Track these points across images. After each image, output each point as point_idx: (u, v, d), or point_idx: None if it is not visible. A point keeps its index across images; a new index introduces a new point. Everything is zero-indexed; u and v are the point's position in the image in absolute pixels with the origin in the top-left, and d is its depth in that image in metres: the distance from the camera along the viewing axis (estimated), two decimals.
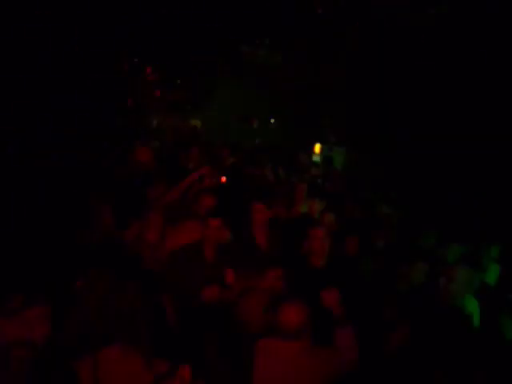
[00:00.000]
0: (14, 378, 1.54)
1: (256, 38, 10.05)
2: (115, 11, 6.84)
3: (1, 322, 1.52)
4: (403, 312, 2.86)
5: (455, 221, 5.56)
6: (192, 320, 2.53)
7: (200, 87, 10.09)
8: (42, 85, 5.75)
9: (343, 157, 10.05)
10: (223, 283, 2.90)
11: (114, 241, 3.07)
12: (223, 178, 4.80)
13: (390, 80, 8.41)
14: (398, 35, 8.16)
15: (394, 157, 8.27)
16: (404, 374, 2.49)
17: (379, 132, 8.69)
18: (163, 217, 3.27)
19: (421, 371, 2.44)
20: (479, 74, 6.79)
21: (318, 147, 10.18)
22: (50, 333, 1.60)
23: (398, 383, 2.52)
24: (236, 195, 4.37)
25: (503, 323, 2.90)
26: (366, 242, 3.94)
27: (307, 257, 3.36)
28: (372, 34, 8.65)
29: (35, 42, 5.66)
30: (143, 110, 9.29)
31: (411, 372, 2.48)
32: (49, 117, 5.61)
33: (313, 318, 2.30)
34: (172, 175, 4.24)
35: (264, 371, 2.24)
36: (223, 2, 8.18)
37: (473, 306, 3.25)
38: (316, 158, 9.82)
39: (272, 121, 11.57)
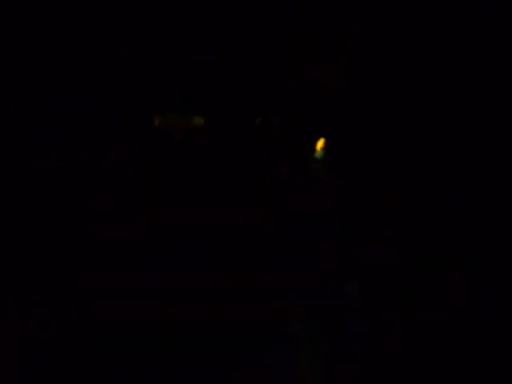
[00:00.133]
0: None
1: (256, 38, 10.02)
2: (115, 11, 6.83)
3: None
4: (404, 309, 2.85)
5: (455, 221, 5.55)
6: None
7: (200, 86, 10.04)
8: (41, 85, 5.75)
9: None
10: None
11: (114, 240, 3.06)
12: None
13: (389, 80, 8.40)
14: (398, 35, 8.16)
15: (394, 157, 8.25)
16: (404, 373, 2.49)
17: (379, 132, 8.67)
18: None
19: (421, 371, 2.44)
20: (479, 74, 6.78)
21: (320, 143, 10.10)
22: None
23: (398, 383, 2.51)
24: None
25: None
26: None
27: None
28: (372, 34, 8.64)
29: (35, 42, 5.66)
30: (143, 110, 9.26)
31: (411, 372, 2.48)
32: (49, 117, 5.60)
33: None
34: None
35: None
36: (223, 2, 8.17)
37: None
38: (317, 154, 9.75)
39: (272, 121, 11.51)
